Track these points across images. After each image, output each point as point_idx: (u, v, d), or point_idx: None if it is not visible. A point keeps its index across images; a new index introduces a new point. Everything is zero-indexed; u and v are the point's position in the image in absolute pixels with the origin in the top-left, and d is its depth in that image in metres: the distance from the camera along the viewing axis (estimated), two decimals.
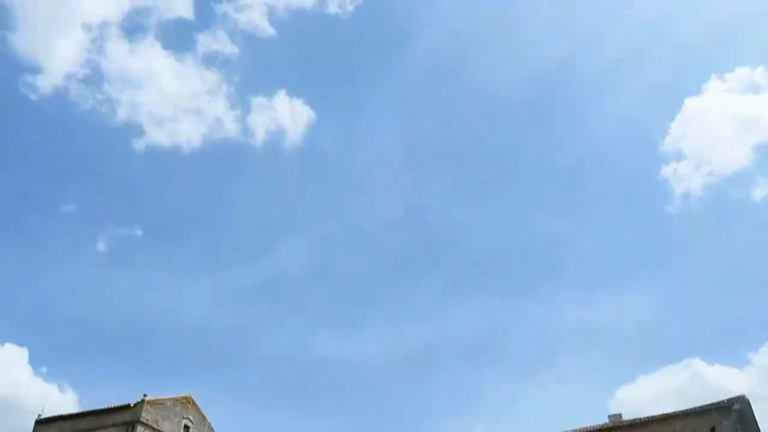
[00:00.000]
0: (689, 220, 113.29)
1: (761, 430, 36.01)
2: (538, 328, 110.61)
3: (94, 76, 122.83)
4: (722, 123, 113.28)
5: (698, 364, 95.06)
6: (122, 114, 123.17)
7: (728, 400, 37.13)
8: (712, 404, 37.54)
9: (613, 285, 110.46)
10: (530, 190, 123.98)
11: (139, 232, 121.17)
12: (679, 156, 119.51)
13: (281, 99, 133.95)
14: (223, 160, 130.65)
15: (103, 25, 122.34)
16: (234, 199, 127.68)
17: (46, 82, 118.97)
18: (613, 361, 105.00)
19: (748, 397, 36.65)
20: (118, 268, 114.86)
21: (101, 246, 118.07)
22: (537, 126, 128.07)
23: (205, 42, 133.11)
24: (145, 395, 43.50)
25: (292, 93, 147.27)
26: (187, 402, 47.50)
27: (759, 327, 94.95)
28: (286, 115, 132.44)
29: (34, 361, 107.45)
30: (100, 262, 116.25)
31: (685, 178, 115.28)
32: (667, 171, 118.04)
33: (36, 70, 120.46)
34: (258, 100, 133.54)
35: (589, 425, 40.74)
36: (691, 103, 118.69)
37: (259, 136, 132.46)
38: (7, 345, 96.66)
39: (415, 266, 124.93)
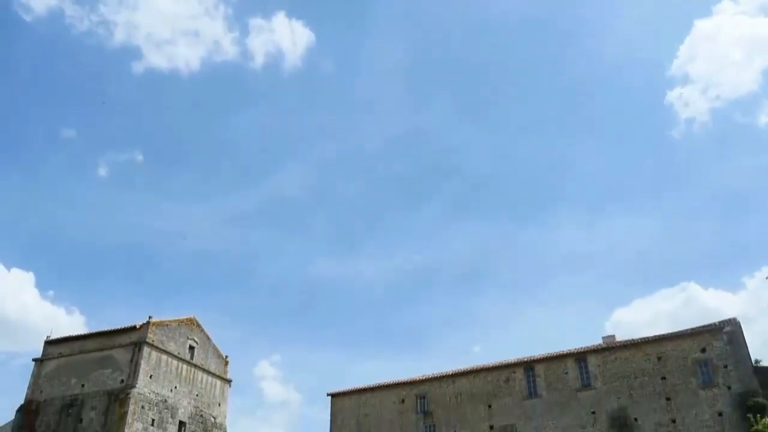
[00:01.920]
0: (692, 145, 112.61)
1: (750, 351, 36.99)
2: (537, 251, 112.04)
3: None
4: (732, 46, 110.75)
5: (693, 287, 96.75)
6: (119, 36, 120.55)
7: (719, 322, 38.00)
8: (703, 326, 38.46)
9: (613, 209, 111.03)
10: (532, 112, 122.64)
11: (140, 157, 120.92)
12: (685, 80, 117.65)
13: (280, 20, 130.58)
14: (223, 84, 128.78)
15: None
16: (234, 122, 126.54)
17: (40, 3, 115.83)
18: (610, 283, 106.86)
19: (739, 319, 37.53)
20: (120, 193, 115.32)
21: (102, 171, 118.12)
22: (540, 47, 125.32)
23: None
24: (150, 317, 44.48)
25: (291, 14, 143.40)
26: (192, 323, 48.65)
27: (756, 251, 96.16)
28: (286, 37, 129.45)
29: (41, 285, 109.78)
30: (101, 187, 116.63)
31: (690, 103, 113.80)
32: (672, 96, 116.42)
33: None
34: (256, 22, 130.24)
35: (582, 346, 41.90)
36: (700, 26, 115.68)
37: (258, 59, 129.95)
38: (14, 270, 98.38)
39: (415, 190, 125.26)
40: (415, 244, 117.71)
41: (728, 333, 37.17)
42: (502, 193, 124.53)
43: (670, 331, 39.81)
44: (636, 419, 37.46)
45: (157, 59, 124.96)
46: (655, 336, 39.89)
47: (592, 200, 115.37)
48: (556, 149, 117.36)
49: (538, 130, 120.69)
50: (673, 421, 36.56)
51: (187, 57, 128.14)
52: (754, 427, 27.94)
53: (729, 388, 35.96)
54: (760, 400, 33.33)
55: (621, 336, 43.12)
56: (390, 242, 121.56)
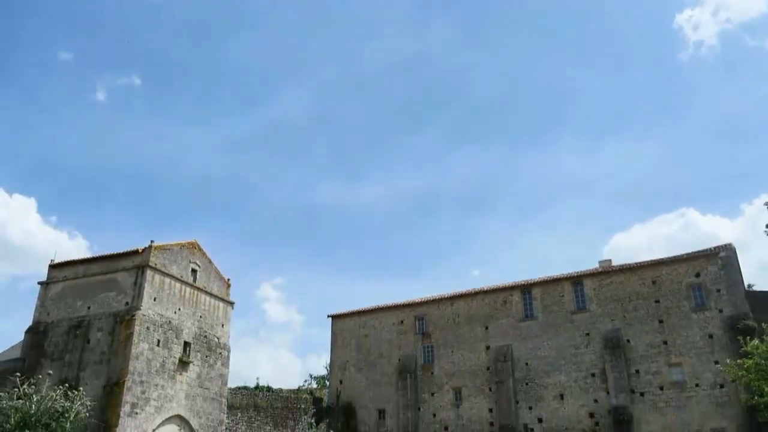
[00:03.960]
0: (699, 69, 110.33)
1: (744, 276, 37.68)
2: (537, 176, 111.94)
3: None
4: None
5: (692, 213, 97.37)
6: None
7: (715, 247, 38.50)
8: (698, 251, 38.99)
9: (616, 134, 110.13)
10: (537, 34, 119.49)
11: (138, 81, 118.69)
12: (696, 1, 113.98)
13: None
14: (220, 3, 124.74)
15: None
16: (233, 45, 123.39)
17: None
18: (609, 209, 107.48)
19: (735, 245, 38.06)
20: (119, 117, 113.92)
21: (101, 95, 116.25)
22: None
23: None
24: (152, 241, 44.82)
25: None
26: (194, 247, 49.05)
27: (755, 178, 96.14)
28: None
29: (43, 210, 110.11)
30: (100, 111, 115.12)
31: (700, 26, 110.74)
32: (681, 18, 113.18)
33: None
34: None
35: (579, 270, 42.53)
36: None
37: None
38: (16, 196, 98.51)
39: (416, 114, 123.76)
40: (416, 169, 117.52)
41: (723, 258, 37.73)
42: (503, 117, 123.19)
43: (666, 256, 40.39)
44: (628, 340, 38.56)
45: None
46: (651, 260, 40.50)
47: (595, 125, 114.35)
48: (559, 73, 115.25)
49: (543, 53, 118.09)
50: (665, 343, 37.66)
51: None
52: (743, 349, 28.68)
53: (720, 311, 36.83)
54: (750, 322, 34.12)
55: (618, 261, 43.83)
56: (391, 167, 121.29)
